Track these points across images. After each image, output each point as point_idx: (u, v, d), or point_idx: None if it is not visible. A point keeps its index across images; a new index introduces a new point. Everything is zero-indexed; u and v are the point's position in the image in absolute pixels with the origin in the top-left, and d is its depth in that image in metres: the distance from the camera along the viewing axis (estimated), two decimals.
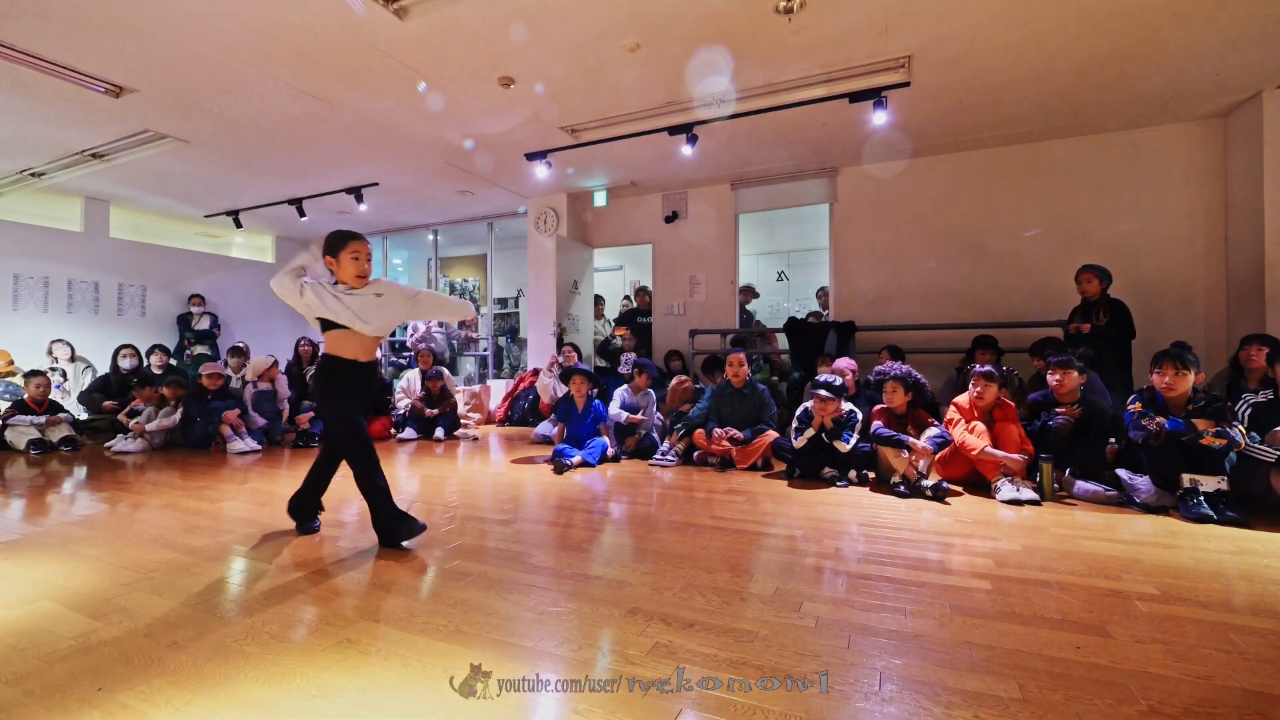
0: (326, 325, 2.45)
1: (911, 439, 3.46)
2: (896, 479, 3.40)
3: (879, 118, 4.31)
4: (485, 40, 3.60)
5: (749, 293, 7.18)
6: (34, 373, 5.44)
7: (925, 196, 5.76)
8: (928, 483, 3.28)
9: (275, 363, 5.81)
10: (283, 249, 9.39)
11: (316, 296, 2.40)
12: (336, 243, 2.46)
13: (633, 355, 5.18)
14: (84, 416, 6.01)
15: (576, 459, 4.18)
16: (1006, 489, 3.19)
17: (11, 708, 1.35)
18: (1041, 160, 5.33)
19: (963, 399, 3.62)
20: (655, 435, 4.67)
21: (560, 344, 6.49)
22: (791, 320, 5.93)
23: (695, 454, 4.30)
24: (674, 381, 5.02)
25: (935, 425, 3.57)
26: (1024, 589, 1.99)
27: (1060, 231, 5.28)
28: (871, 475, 3.70)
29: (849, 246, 6.12)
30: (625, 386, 5.00)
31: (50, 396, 5.45)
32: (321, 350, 2.54)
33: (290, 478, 3.98)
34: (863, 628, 1.71)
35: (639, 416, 4.60)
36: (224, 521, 2.88)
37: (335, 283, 2.46)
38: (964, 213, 5.62)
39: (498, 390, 7.40)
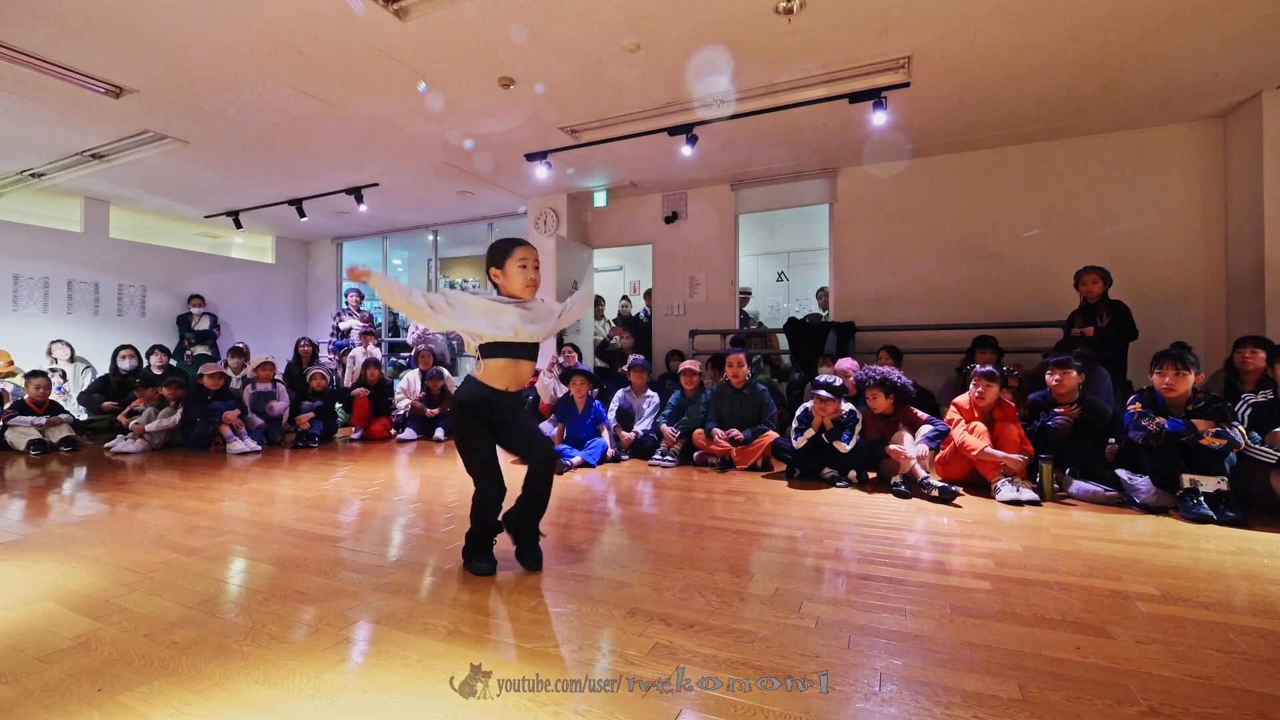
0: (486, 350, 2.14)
1: (894, 447, 3.43)
2: (897, 479, 3.40)
3: (879, 118, 4.31)
4: (485, 40, 3.60)
5: (742, 296, 7.17)
6: (34, 373, 5.44)
7: (925, 196, 5.76)
8: (934, 481, 3.26)
9: (271, 363, 5.82)
10: (283, 249, 9.40)
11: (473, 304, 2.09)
12: (501, 252, 2.14)
13: (640, 357, 5.17)
14: (84, 417, 6.02)
15: (576, 459, 4.18)
16: (1006, 489, 3.19)
17: (11, 708, 1.35)
18: (1041, 160, 5.33)
19: (963, 399, 3.62)
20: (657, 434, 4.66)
21: (560, 344, 6.49)
22: (791, 321, 5.93)
23: (695, 454, 4.30)
24: (687, 363, 4.99)
25: (928, 422, 3.56)
26: (1024, 589, 1.99)
27: (1060, 232, 5.28)
28: (872, 475, 3.70)
29: (849, 247, 6.12)
30: (625, 389, 4.99)
31: (50, 397, 5.45)
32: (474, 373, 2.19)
33: (290, 478, 3.98)
34: (863, 628, 1.71)
35: (628, 435, 4.60)
36: (224, 522, 2.88)
37: (496, 295, 2.17)
38: (964, 213, 5.62)
39: None
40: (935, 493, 3.22)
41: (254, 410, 5.53)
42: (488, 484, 2.17)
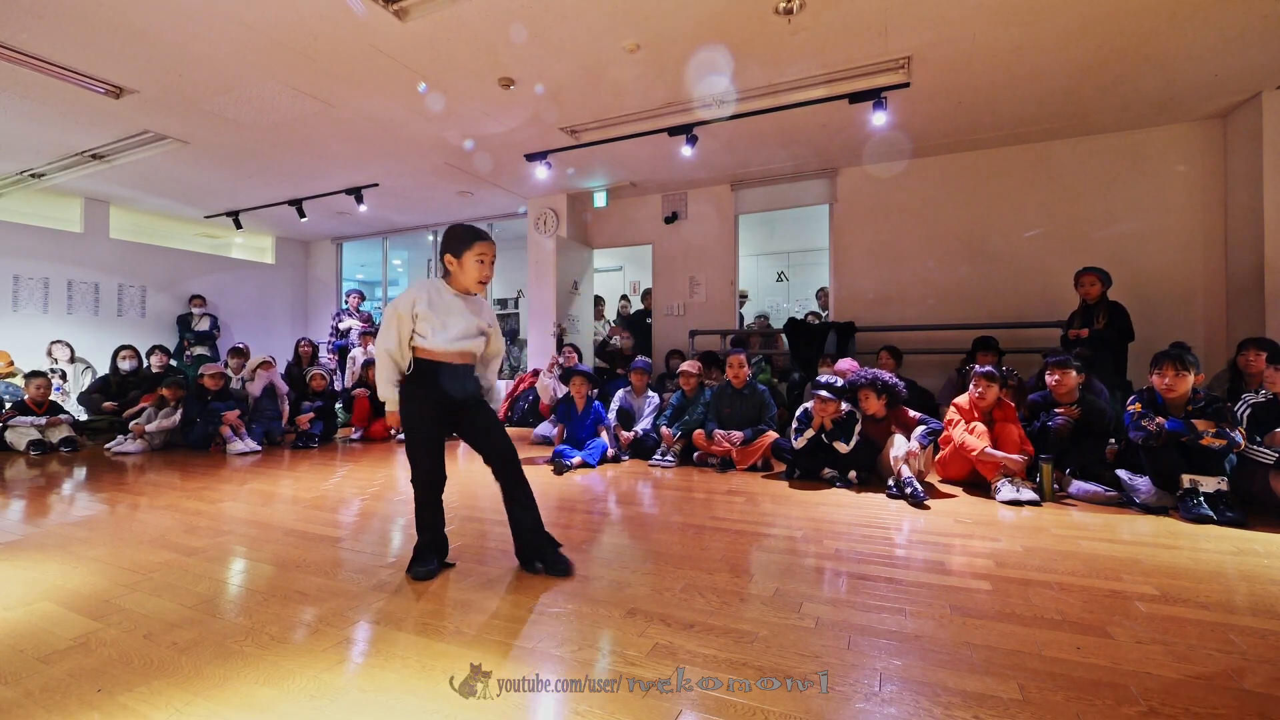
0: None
1: (893, 453, 3.42)
2: (890, 482, 3.39)
3: (879, 118, 4.31)
4: (485, 40, 3.60)
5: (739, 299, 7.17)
6: (34, 374, 5.44)
7: (925, 196, 5.76)
8: (916, 481, 3.22)
9: (270, 362, 5.82)
10: (283, 249, 9.40)
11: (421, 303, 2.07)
12: (460, 240, 2.06)
13: (643, 358, 5.16)
14: (84, 417, 6.01)
15: (576, 460, 4.17)
16: (1006, 489, 3.19)
17: (11, 709, 1.35)
18: (1041, 161, 5.33)
19: (963, 399, 3.62)
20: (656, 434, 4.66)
21: (560, 345, 6.49)
22: (791, 321, 5.93)
23: (695, 454, 4.30)
24: (685, 364, 4.99)
25: (922, 421, 3.55)
26: (1024, 590, 1.99)
27: (1060, 232, 5.28)
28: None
29: (849, 247, 6.12)
30: (625, 389, 4.99)
31: (50, 397, 5.45)
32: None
33: (290, 478, 3.98)
34: (863, 628, 1.71)
35: (627, 435, 4.61)
36: (224, 522, 2.88)
37: (445, 280, 2.14)
38: (964, 213, 5.62)
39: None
40: (909, 490, 3.18)
41: (261, 401, 5.56)
42: (429, 464, 2.11)
